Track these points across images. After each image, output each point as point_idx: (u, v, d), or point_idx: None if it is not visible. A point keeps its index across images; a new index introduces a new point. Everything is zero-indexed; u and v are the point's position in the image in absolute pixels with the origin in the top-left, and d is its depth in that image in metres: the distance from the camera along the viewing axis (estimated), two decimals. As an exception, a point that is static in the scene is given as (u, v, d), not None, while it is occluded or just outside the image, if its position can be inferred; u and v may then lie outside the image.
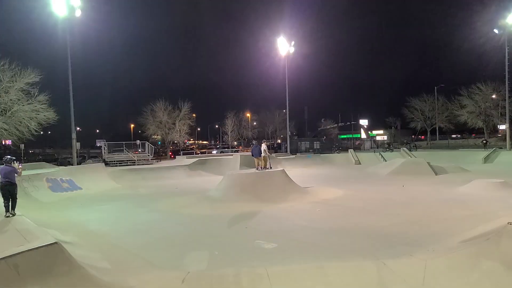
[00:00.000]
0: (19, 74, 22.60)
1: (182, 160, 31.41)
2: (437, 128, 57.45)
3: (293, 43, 38.32)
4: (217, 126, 76.54)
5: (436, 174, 21.97)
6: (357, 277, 6.09)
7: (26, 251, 5.31)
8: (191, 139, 63.77)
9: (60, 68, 26.48)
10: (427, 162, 23.18)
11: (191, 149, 52.06)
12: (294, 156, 35.64)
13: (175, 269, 6.83)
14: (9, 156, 9.72)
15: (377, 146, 46.04)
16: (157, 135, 42.08)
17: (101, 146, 29.82)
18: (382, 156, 33.35)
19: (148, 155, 29.99)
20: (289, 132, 40.73)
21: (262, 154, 15.99)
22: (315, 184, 18.04)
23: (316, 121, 67.95)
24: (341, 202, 13.80)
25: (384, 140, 53.17)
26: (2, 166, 9.62)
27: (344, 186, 17.53)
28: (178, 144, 43.58)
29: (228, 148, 50.01)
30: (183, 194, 16.66)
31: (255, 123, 63.31)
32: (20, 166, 9.79)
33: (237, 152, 38.73)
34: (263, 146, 16.18)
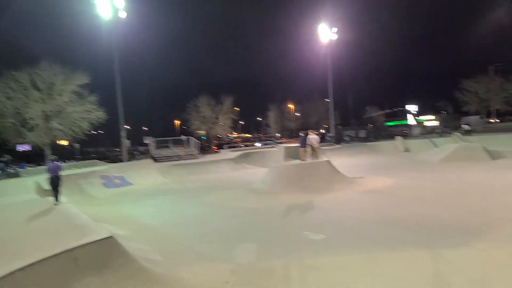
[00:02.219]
0: (71, 77, 24.07)
1: (226, 153, 31.87)
2: (493, 111, 53.07)
3: (335, 29, 37.02)
4: (260, 119, 76.83)
5: (493, 159, 20.20)
6: (411, 268, 5.73)
7: (84, 244, 5.56)
8: (234, 133, 64.55)
9: (107, 69, 27.90)
10: (483, 147, 21.39)
11: (235, 142, 52.72)
12: (339, 145, 34.72)
13: (224, 261, 6.87)
14: (54, 156, 12.50)
15: (427, 132, 43.43)
16: (201, 130, 43.06)
17: (148, 143, 31.03)
18: (432, 142, 31.32)
19: (194, 150, 30.76)
20: (333, 122, 39.66)
21: (315, 145, 15.66)
22: (362, 174, 17.35)
23: (361, 109, 65.51)
24: (391, 191, 13.12)
25: (435, 126, 50.05)
26: (50, 163, 12.26)
27: (393, 175, 16.68)
28: (222, 138, 44.39)
29: (271, 140, 50.00)
30: (229, 188, 16.84)
31: (298, 114, 62.54)
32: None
33: (281, 144, 38.55)
34: (314, 137, 15.80)
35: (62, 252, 5.18)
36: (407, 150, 31.43)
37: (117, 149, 34.74)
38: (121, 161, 27.24)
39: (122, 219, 11.34)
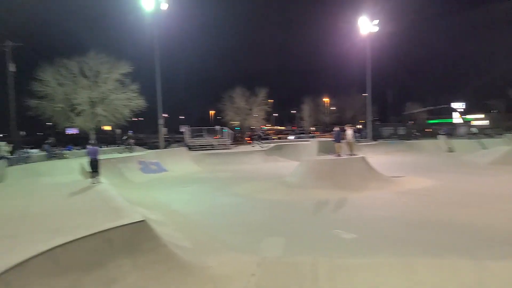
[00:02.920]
0: (115, 66, 25.08)
1: (258, 145, 31.92)
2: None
3: (376, 21, 35.57)
4: (293, 112, 76.12)
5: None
6: (451, 278, 5.37)
7: (118, 227, 5.77)
8: (268, 125, 64.43)
9: (148, 59, 28.76)
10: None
11: (268, 134, 52.69)
12: (375, 142, 33.61)
13: (251, 253, 6.87)
14: (93, 140, 13.13)
15: (475, 132, 40.82)
16: (235, 121, 43.42)
17: (184, 132, 31.77)
18: (481, 143, 29.35)
19: (227, 140, 31.10)
20: (371, 117, 38.37)
21: (347, 140, 15.27)
22: (399, 173, 16.66)
23: (401, 105, 62.80)
24: (431, 193, 12.46)
25: (483, 126, 46.90)
26: (89, 147, 13.28)
27: (434, 176, 15.84)
28: (255, 129, 44.45)
29: (304, 133, 49.37)
30: (259, 179, 16.87)
31: (333, 108, 61.24)
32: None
33: (314, 137, 37.96)
34: (349, 131, 15.39)
35: (98, 232, 5.41)
36: (451, 150, 29.69)
37: (155, 136, 35.82)
38: (158, 148, 28.11)
39: (155, 204, 11.72)
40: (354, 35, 37.16)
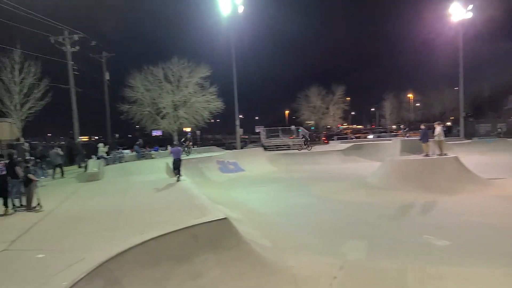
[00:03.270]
0: (195, 70, 26.64)
1: (335, 145, 31.05)
2: None
3: (470, 7, 31.77)
4: (373, 109, 72.39)
5: None
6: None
7: (202, 223, 6.07)
8: (345, 123, 62.27)
9: (224, 61, 30.00)
10: None
11: (345, 134, 50.91)
12: (468, 140, 30.15)
13: (332, 256, 6.68)
14: (178, 141, 13.78)
15: None
16: (311, 120, 42.86)
17: (259, 132, 32.37)
18: None
19: (302, 140, 30.87)
20: (463, 113, 34.52)
21: (435, 138, 14.01)
22: (499, 175, 14.63)
23: (501, 99, 55.17)
24: (541, 199, 10.73)
25: None
26: (172, 147, 14.30)
27: (544, 179, 13.62)
28: (332, 129, 43.33)
29: (386, 132, 46.54)
30: (337, 180, 16.35)
31: (418, 104, 56.58)
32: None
33: (396, 136, 35.54)
34: (438, 129, 14.09)
35: (185, 228, 5.75)
36: None
37: (232, 137, 37.22)
38: (235, 148, 29.09)
39: (233, 202, 12.11)
40: (444, 23, 33.76)
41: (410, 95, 56.37)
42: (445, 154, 13.94)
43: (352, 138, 37.43)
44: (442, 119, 51.17)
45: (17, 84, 17.13)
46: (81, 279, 3.88)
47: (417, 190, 11.75)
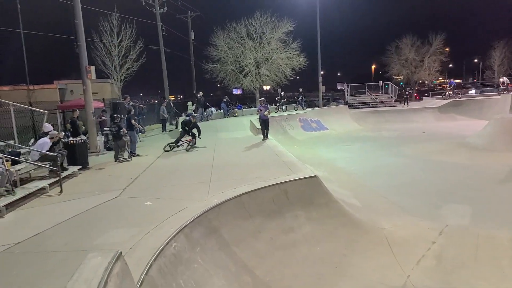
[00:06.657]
0: (278, 25, 25.81)
1: (430, 101, 28.13)
2: None
3: None
4: (476, 61, 63.02)
5: None
6: None
7: (292, 180, 6.08)
8: (440, 78, 55.40)
9: (307, 14, 28.48)
10: None
11: (441, 89, 45.60)
12: None
13: (429, 219, 6.25)
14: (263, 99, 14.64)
15: None
16: (401, 75, 39.17)
17: (343, 89, 30.82)
18: None
19: (392, 97, 28.63)
20: None
21: None
22: None
23: None
24: None
25: None
26: (259, 106, 13.89)
27: None
28: (425, 84, 39.06)
29: (492, 86, 40.44)
30: (432, 139, 14.94)
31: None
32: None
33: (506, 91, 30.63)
34: None
35: (276, 184, 5.84)
36: None
37: (314, 95, 36.18)
38: (317, 106, 28.31)
39: (318, 160, 11.89)
40: None
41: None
42: None
43: (450, 94, 33.15)
44: None
45: (116, 46, 18.67)
46: (185, 226, 4.21)
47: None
